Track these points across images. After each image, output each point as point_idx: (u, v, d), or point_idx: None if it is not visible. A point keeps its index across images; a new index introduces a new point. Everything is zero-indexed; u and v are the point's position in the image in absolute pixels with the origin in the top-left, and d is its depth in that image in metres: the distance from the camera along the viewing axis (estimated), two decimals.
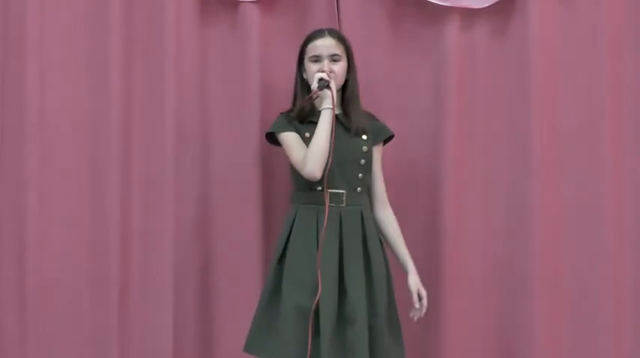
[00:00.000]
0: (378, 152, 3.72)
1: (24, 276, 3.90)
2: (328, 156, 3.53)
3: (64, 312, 3.93)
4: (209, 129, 4.02)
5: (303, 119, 3.64)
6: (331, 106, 3.54)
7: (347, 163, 3.61)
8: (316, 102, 3.62)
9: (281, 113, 3.71)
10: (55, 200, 3.95)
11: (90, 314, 3.94)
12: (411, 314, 3.68)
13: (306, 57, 3.66)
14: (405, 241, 3.86)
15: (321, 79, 3.55)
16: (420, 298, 3.68)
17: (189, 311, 3.98)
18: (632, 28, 4.00)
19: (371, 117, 3.74)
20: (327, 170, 3.53)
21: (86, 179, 3.97)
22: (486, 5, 3.96)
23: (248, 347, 3.61)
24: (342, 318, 3.49)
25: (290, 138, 3.62)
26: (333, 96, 3.54)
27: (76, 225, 3.96)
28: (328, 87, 3.55)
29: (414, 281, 3.68)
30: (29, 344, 3.90)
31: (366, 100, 3.82)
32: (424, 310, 3.69)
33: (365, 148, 3.65)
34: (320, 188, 3.57)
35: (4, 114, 3.95)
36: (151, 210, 3.96)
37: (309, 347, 3.43)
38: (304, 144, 3.58)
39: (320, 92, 3.55)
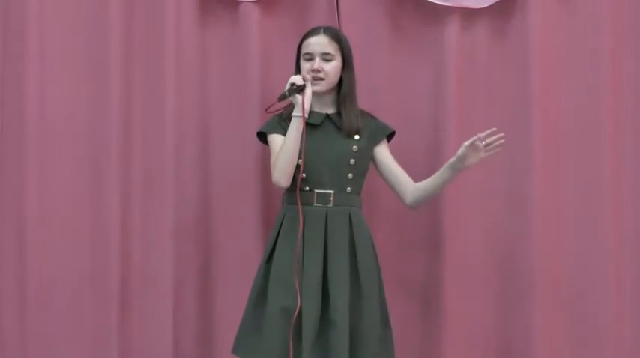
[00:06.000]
0: (383, 149, 3.71)
1: (24, 276, 3.91)
2: (299, 162, 3.51)
3: (64, 312, 3.94)
4: (209, 129, 4.02)
5: None
6: (300, 114, 3.51)
7: (336, 163, 3.60)
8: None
9: (275, 113, 3.71)
10: (55, 200, 3.95)
11: (90, 314, 3.95)
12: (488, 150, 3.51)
13: (301, 54, 3.65)
14: (406, 240, 3.89)
15: (292, 84, 3.51)
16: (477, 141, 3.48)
17: (189, 311, 3.98)
18: (632, 28, 3.99)
19: (368, 117, 3.73)
20: (299, 178, 3.53)
21: (86, 179, 3.97)
22: (486, 5, 3.96)
23: (235, 349, 3.62)
24: (325, 321, 3.48)
25: (273, 141, 3.62)
26: (303, 103, 3.50)
27: (76, 225, 3.96)
28: (301, 91, 3.52)
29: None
30: (29, 344, 3.91)
31: (366, 100, 3.82)
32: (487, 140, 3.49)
33: (355, 148, 3.63)
34: (307, 188, 3.57)
35: (4, 114, 3.96)
36: (150, 210, 3.96)
37: (291, 350, 3.44)
38: None
39: (290, 98, 3.51)
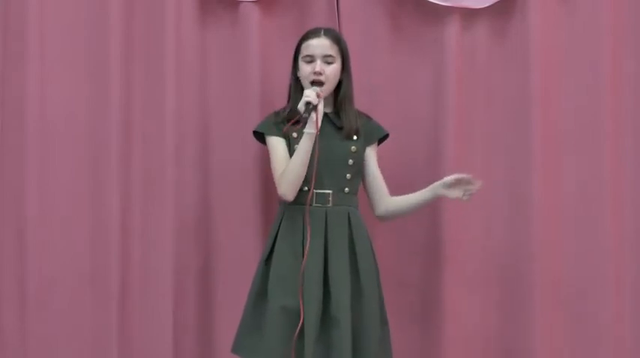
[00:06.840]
0: (373, 152, 3.71)
1: (24, 276, 3.90)
2: (311, 175, 3.50)
3: (64, 312, 3.93)
4: (209, 129, 4.02)
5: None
6: (314, 131, 3.48)
7: (335, 163, 3.60)
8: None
9: (274, 112, 3.70)
10: (55, 200, 3.95)
11: (90, 314, 3.94)
12: (465, 194, 3.60)
13: (300, 56, 3.64)
14: (406, 240, 3.89)
15: (308, 103, 3.46)
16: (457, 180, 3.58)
17: (189, 311, 3.98)
18: (632, 28, 4.00)
19: (364, 117, 3.72)
20: (310, 192, 3.53)
21: (86, 179, 3.97)
22: (486, 5, 3.96)
23: (235, 348, 3.62)
24: (327, 319, 3.48)
25: (275, 144, 3.60)
26: (317, 120, 3.48)
27: (76, 225, 3.96)
28: (315, 108, 3.48)
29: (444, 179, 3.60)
30: (29, 344, 3.90)
31: (366, 100, 3.83)
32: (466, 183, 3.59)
33: (354, 148, 3.63)
34: (306, 188, 3.56)
35: (4, 114, 3.96)
36: (150, 210, 3.96)
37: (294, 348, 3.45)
38: (287, 155, 3.57)
39: (306, 116, 3.45)
